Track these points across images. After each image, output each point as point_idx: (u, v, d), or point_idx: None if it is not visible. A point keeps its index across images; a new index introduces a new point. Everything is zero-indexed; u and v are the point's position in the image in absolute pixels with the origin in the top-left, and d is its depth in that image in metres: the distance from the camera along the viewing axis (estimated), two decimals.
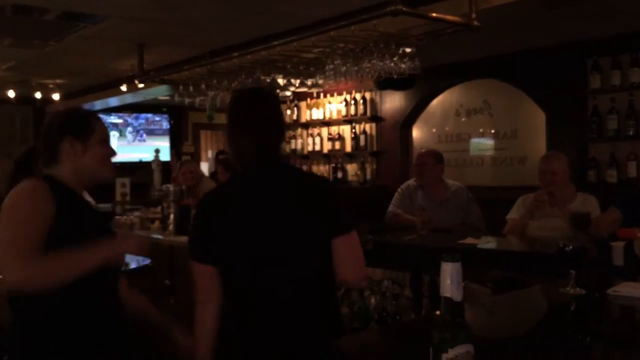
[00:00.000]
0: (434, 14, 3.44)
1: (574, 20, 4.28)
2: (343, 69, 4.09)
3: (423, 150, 4.67)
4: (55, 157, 1.79)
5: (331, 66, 4.07)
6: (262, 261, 1.76)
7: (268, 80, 4.38)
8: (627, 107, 4.57)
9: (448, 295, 1.07)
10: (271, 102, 1.90)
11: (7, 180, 1.83)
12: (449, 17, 3.50)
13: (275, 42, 4.07)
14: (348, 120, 6.63)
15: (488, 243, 3.33)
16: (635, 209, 2.83)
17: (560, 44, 4.87)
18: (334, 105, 6.79)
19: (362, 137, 6.53)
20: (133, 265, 2.99)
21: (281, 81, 4.45)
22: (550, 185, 3.36)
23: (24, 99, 7.41)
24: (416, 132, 6.37)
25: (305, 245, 1.77)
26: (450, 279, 1.07)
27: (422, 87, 6.08)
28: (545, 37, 4.78)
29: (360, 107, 6.51)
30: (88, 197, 1.89)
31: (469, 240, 3.31)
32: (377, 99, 6.46)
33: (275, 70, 4.37)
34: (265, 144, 1.80)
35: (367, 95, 6.48)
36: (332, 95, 6.80)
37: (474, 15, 3.52)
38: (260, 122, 1.82)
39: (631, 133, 4.51)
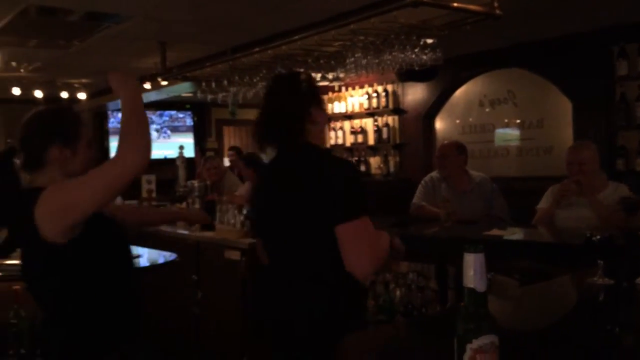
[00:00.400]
0: (455, 4, 3.40)
1: (598, 7, 4.19)
2: (364, 61, 4.08)
3: (445, 141, 4.63)
4: (40, 162, 1.72)
5: (352, 59, 4.06)
6: (268, 244, 1.92)
7: None
8: None
9: (471, 286, 1.06)
10: (283, 84, 1.90)
11: None
12: (471, 7, 3.46)
13: (296, 37, 4.07)
14: (370, 113, 6.61)
15: (514, 234, 3.29)
16: None
17: (585, 31, 4.77)
18: (355, 99, 6.78)
19: (384, 130, 6.50)
20: (160, 261, 3.03)
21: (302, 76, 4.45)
22: (578, 176, 3.30)
23: (51, 99, 7.55)
24: (439, 124, 6.32)
25: (299, 233, 1.77)
26: (473, 270, 1.06)
27: (444, 77, 6.02)
28: (570, 24, 4.70)
29: (383, 100, 6.48)
30: None
31: (495, 232, 3.27)
32: (399, 91, 6.42)
33: (296, 65, 4.38)
34: (269, 123, 1.85)
35: (389, 87, 6.45)
36: (353, 89, 6.79)
37: (496, 4, 3.48)
38: (267, 103, 1.88)
39: None
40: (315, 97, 1.89)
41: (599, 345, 1.44)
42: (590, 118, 4.87)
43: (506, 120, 5.80)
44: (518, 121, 5.70)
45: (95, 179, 1.57)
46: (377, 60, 4.05)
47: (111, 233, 1.78)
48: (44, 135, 1.72)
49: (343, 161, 1.95)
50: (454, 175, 3.94)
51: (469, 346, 1.04)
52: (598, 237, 1.93)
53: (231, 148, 7.84)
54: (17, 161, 1.77)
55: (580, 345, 1.43)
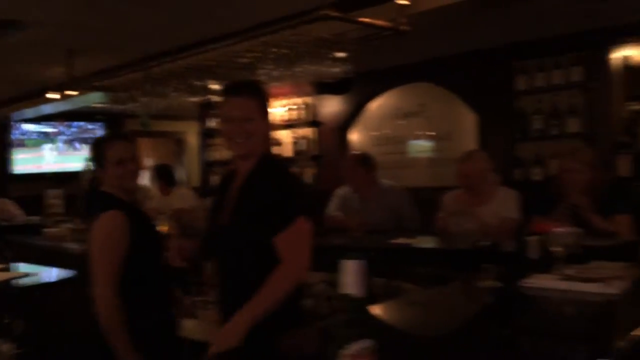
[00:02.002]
0: (362, 19, 3.49)
1: (501, 24, 4.43)
2: (276, 73, 4.11)
3: (350, 153, 4.72)
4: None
5: (263, 71, 4.08)
6: None
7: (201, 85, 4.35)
8: (551, 107, 4.78)
9: (348, 291, 1.09)
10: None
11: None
12: (378, 22, 3.56)
13: (208, 47, 4.05)
14: (289, 124, 6.66)
15: (420, 242, 3.38)
16: (547, 207, 2.97)
17: (489, 47, 5.03)
18: (274, 110, 6.80)
19: (302, 142, 6.56)
20: (52, 279, 2.89)
21: (215, 86, 4.43)
22: (466, 187, 3.48)
23: None
24: (355, 136, 6.44)
25: None
26: (349, 276, 1.09)
27: (359, 91, 6.17)
28: (475, 41, 4.93)
29: (300, 112, 6.56)
30: None
31: (402, 240, 3.35)
32: (316, 103, 6.51)
33: (209, 76, 4.35)
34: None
35: (307, 100, 6.52)
36: (272, 100, 6.81)
37: (402, 20, 3.59)
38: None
39: (555, 133, 4.72)
40: None
41: (479, 346, 1.51)
42: (492, 130, 5.14)
43: (418, 133, 6.00)
44: (429, 133, 5.91)
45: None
46: (289, 72, 4.09)
47: None
48: (90, 159, 2.30)
49: None
50: (361, 186, 4.02)
51: (344, 352, 1.06)
52: (485, 243, 2.03)
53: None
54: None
55: (473, 349, 1.49)
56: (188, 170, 9.65)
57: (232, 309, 1.81)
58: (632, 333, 1.52)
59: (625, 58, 4.51)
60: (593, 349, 1.44)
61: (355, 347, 1.07)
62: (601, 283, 1.94)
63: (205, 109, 7.24)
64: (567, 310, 1.91)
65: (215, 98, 4.83)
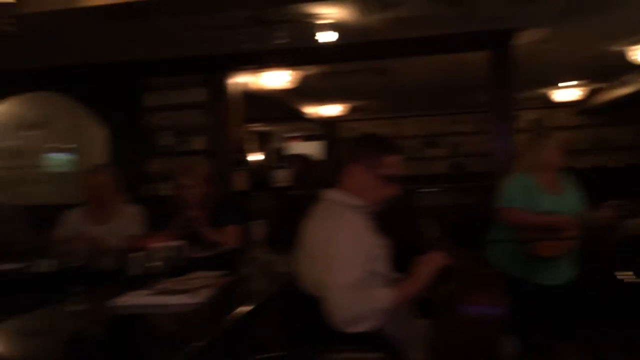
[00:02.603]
0: None
1: (130, 40, 4.40)
2: None
3: None
4: None
5: None
6: None
7: None
8: (179, 125, 4.98)
9: None
10: None
11: None
12: None
13: None
14: None
15: (32, 267, 3.05)
16: (168, 222, 3.06)
17: (118, 61, 4.96)
18: None
19: None
20: None
21: None
22: (91, 203, 3.35)
23: None
24: None
25: None
26: None
27: None
28: (104, 54, 4.80)
29: None
30: None
31: (9, 266, 2.99)
32: None
33: None
34: None
35: None
36: None
37: (8, 20, 3.22)
38: None
39: (182, 149, 4.93)
40: None
41: None
42: (124, 145, 5.07)
43: (46, 146, 5.56)
44: (58, 146, 5.52)
45: None
46: None
47: None
48: None
49: None
50: None
51: None
52: (76, 264, 1.93)
53: None
54: None
55: None
56: None
57: None
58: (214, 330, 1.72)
59: (243, 84, 5.01)
60: (174, 351, 1.58)
61: None
62: (189, 294, 2.04)
63: None
64: (154, 321, 1.95)
65: None
